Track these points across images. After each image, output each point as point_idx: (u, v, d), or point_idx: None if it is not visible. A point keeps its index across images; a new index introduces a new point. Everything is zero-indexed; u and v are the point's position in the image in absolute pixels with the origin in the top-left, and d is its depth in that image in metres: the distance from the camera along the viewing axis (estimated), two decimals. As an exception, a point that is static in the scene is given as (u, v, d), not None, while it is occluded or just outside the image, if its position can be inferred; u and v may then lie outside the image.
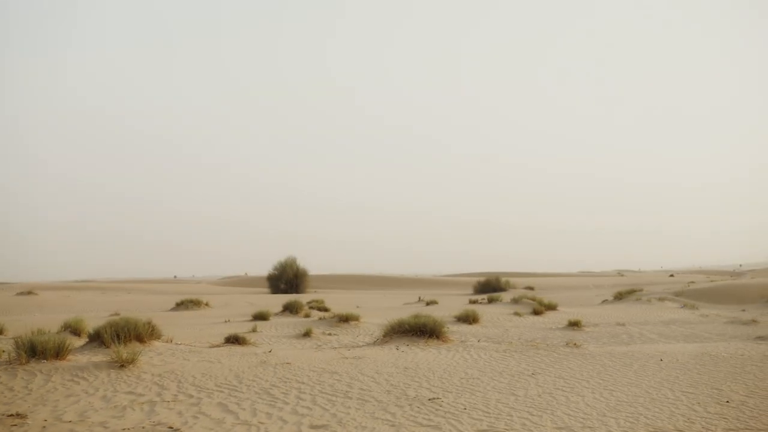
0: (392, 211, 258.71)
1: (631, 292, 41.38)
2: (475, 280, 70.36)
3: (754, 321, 26.25)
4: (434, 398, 10.01)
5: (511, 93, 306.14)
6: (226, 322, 26.57)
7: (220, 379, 11.19)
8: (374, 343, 17.39)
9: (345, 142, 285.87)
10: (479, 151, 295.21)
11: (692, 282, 54.78)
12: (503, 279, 63.89)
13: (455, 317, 27.07)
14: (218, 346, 15.84)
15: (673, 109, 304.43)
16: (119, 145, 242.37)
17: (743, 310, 32.45)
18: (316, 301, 37.11)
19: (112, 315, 30.41)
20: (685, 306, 34.81)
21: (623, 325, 26.23)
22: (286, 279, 71.86)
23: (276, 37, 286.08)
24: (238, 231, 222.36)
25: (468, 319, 26.55)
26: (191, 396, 9.90)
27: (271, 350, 15.11)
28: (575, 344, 16.63)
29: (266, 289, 73.28)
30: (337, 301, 43.57)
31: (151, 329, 15.45)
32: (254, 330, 23.01)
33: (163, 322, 26.77)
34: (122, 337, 14.03)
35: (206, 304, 36.13)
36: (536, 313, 30.41)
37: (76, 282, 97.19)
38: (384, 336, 17.56)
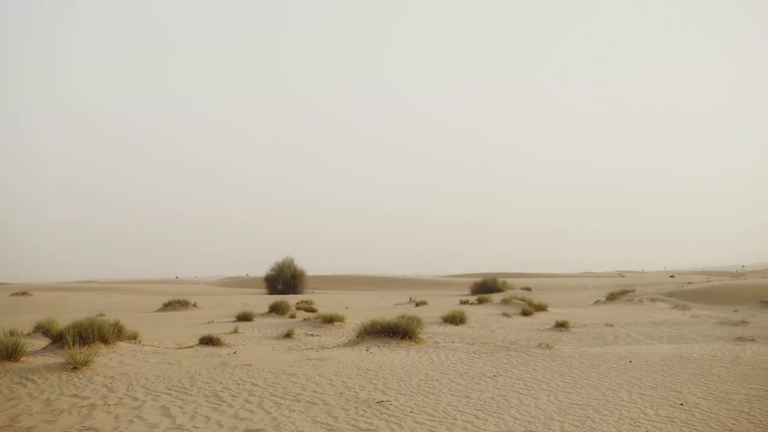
0: (393, 211, 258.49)
1: (623, 292, 41.13)
2: (474, 281, 70.06)
3: (743, 322, 26.01)
4: (382, 401, 9.82)
5: (510, 93, 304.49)
6: (209, 323, 26.41)
7: (174, 382, 11.01)
8: (346, 344, 17.22)
9: (345, 142, 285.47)
10: (479, 151, 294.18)
11: (689, 283, 54.43)
12: (500, 280, 63.62)
13: (442, 318, 26.93)
14: (186, 347, 15.66)
15: (673, 109, 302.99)
16: (119, 145, 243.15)
17: (735, 311, 32.17)
18: (306, 302, 36.95)
19: (97, 316, 30.29)
20: (676, 307, 34.52)
21: (612, 326, 25.99)
22: (284, 279, 71.88)
23: (276, 37, 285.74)
24: (241, 232, 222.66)
25: (455, 320, 26.38)
26: (137, 399, 9.71)
27: (236, 351, 14.92)
28: (548, 345, 16.41)
29: (265, 290, 73.25)
30: (330, 302, 43.43)
31: (118, 330, 15.32)
32: (235, 331, 22.89)
33: (147, 322, 26.76)
34: (86, 338, 13.90)
35: (194, 305, 35.98)
36: (525, 314, 30.22)
37: (77, 282, 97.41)
38: (357, 337, 17.39)
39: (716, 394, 10.41)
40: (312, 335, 22.24)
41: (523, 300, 35.24)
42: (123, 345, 14.66)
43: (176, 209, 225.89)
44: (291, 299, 41.35)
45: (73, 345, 13.33)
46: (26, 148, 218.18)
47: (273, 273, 73.40)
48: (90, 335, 14.03)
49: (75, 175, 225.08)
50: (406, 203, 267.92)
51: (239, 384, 10.98)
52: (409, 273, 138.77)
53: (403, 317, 24.22)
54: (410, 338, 16.85)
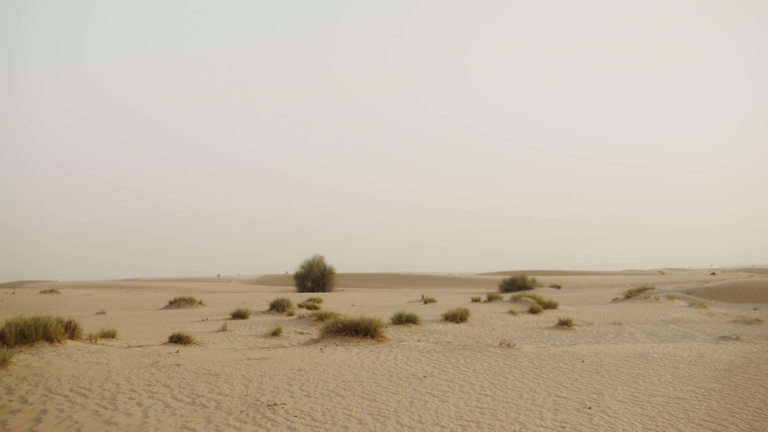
0: (438, 209, 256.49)
1: (641, 290, 39.93)
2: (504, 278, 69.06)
3: (757, 320, 24.99)
4: (275, 404, 9.31)
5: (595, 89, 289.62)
6: (203, 320, 26.28)
7: (84, 383, 10.65)
8: (306, 343, 16.79)
9: (399, 141, 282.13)
10: (533, 147, 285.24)
11: (723, 280, 52.66)
12: (529, 277, 62.59)
13: (443, 316, 26.44)
14: (137, 346, 15.38)
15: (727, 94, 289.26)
16: (164, 149, 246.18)
17: (755, 309, 30.90)
18: (313, 299, 36.66)
19: (98, 313, 30.52)
20: (693, 304, 33.29)
21: (619, 324, 25.22)
22: (313, 277, 72.04)
23: (332, 35, 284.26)
24: (288, 231, 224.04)
25: (455, 318, 25.91)
26: (25, 402, 9.37)
27: (178, 351, 14.55)
28: (509, 345, 15.72)
29: (295, 288, 73.44)
30: (344, 299, 43.14)
31: (71, 329, 15.16)
32: (223, 329, 22.68)
33: (142, 320, 26.78)
34: (28, 336, 13.71)
35: (200, 303, 35.96)
36: (533, 311, 29.52)
37: (122, 281, 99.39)
38: (320, 335, 16.95)
39: (639, 396, 9.67)
40: (302, 333, 21.95)
41: (533, 298, 34.39)
42: (70, 344, 14.42)
43: (223, 210, 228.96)
44: (297, 297, 41.24)
45: (15, 344, 13.18)
46: (65, 151, 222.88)
47: (303, 271, 73.63)
48: (33, 334, 13.82)
49: (126, 180, 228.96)
50: (457, 202, 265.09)
51: (149, 386, 10.59)
52: (452, 270, 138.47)
53: (401, 314, 23.88)
54: (372, 337, 16.33)
